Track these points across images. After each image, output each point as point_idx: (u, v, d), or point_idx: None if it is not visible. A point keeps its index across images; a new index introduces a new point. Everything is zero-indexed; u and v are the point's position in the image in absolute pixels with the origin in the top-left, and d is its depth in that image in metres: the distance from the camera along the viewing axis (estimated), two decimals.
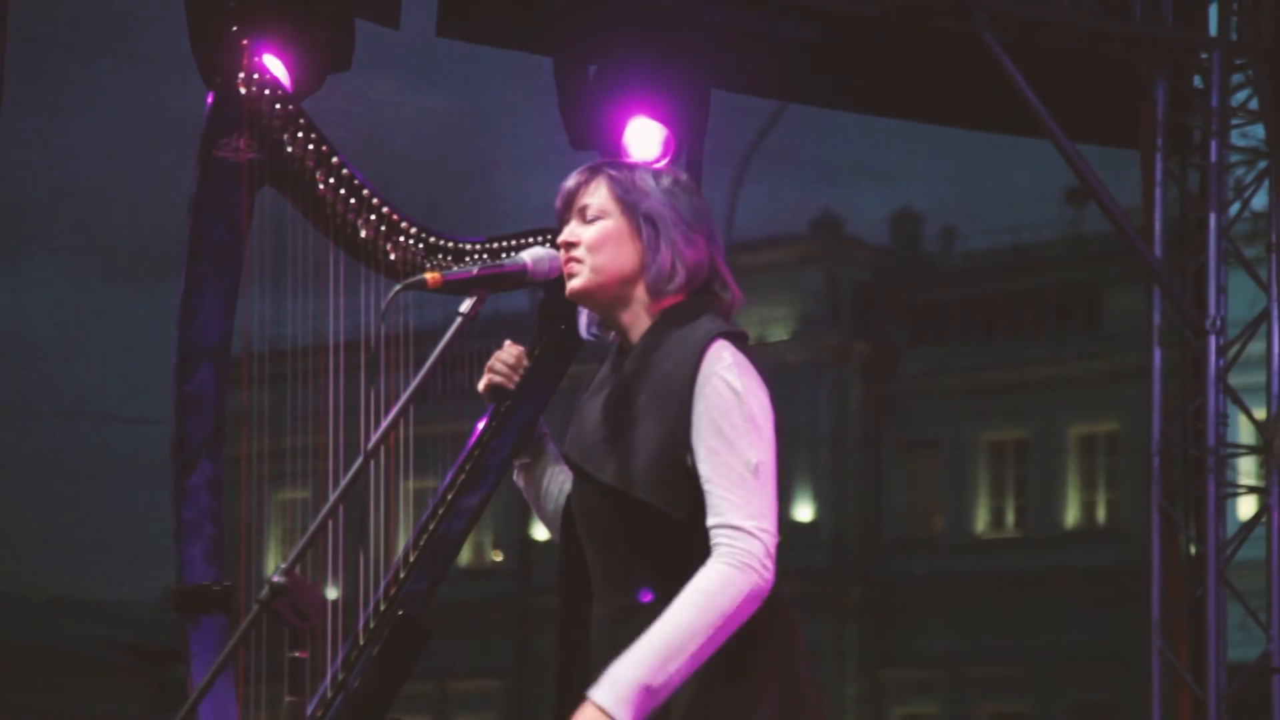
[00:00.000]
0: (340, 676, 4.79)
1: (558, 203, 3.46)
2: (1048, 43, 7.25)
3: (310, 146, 4.90)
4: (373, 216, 4.84)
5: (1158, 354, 7.63)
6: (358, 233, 4.84)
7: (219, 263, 5.00)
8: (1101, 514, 23.25)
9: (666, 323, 3.39)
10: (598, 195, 3.42)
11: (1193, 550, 7.61)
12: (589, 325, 3.51)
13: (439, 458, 4.94)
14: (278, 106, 4.96)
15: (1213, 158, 7.58)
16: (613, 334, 3.47)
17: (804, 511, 23.12)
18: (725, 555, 3.23)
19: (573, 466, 3.43)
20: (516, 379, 3.61)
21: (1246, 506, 8.62)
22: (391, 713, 4.84)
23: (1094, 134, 7.59)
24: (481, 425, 4.88)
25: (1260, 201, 7.78)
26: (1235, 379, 7.58)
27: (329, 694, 4.78)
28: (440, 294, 3.42)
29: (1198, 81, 7.67)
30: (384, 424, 3.33)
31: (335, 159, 4.89)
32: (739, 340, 3.37)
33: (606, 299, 3.43)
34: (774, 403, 3.35)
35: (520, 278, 3.46)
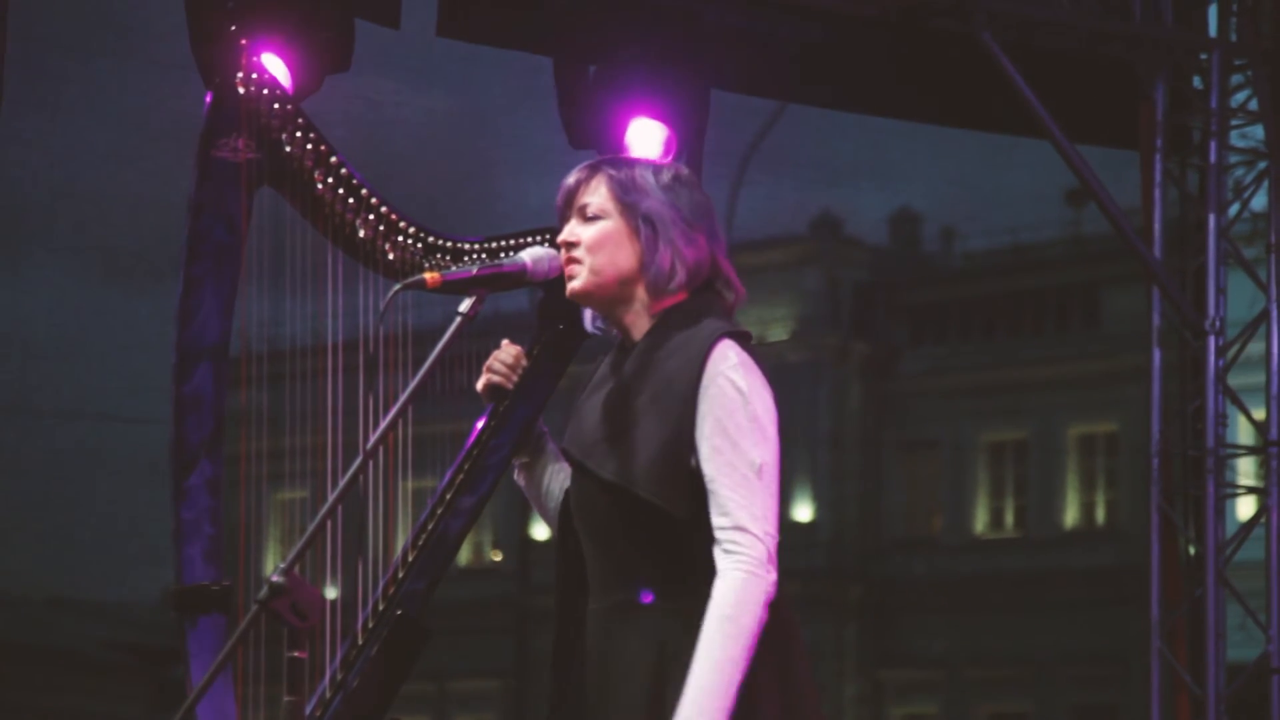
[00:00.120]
0: (339, 676, 4.79)
1: (558, 199, 3.46)
2: (1047, 43, 7.25)
3: (309, 146, 4.90)
4: (371, 216, 4.84)
5: (1157, 354, 7.63)
6: (356, 232, 4.83)
7: (218, 263, 5.00)
8: (1101, 514, 23.25)
9: (669, 322, 3.39)
10: (597, 194, 3.42)
11: (1192, 551, 7.60)
12: (593, 320, 3.52)
13: (438, 457, 4.94)
14: (276, 106, 4.96)
15: (1212, 158, 7.58)
16: (616, 330, 3.47)
17: (803, 512, 23.12)
18: (733, 563, 3.23)
19: (572, 462, 3.43)
20: (515, 379, 3.61)
21: (1246, 507, 8.62)
22: (391, 713, 4.84)
23: (1093, 134, 7.59)
24: (480, 425, 4.87)
25: (1259, 202, 7.78)
26: (1234, 380, 7.58)
27: (328, 694, 4.78)
28: (439, 294, 3.42)
29: (1197, 82, 7.67)
30: (383, 424, 3.33)
31: (334, 159, 4.89)
32: (743, 340, 3.37)
33: (607, 300, 3.43)
34: (775, 403, 3.35)
35: (520, 277, 3.46)
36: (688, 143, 5.96)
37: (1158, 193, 7.59)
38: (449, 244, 4.84)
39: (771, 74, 7.01)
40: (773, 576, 3.23)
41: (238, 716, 4.82)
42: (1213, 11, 7.70)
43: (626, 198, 3.39)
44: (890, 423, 24.16)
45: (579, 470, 3.40)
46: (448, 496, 4.91)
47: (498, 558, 24.54)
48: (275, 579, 3.14)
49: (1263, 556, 7.51)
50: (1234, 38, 7.61)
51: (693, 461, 3.30)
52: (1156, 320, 7.63)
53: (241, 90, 4.98)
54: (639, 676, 3.30)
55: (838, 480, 23.84)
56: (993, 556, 23.36)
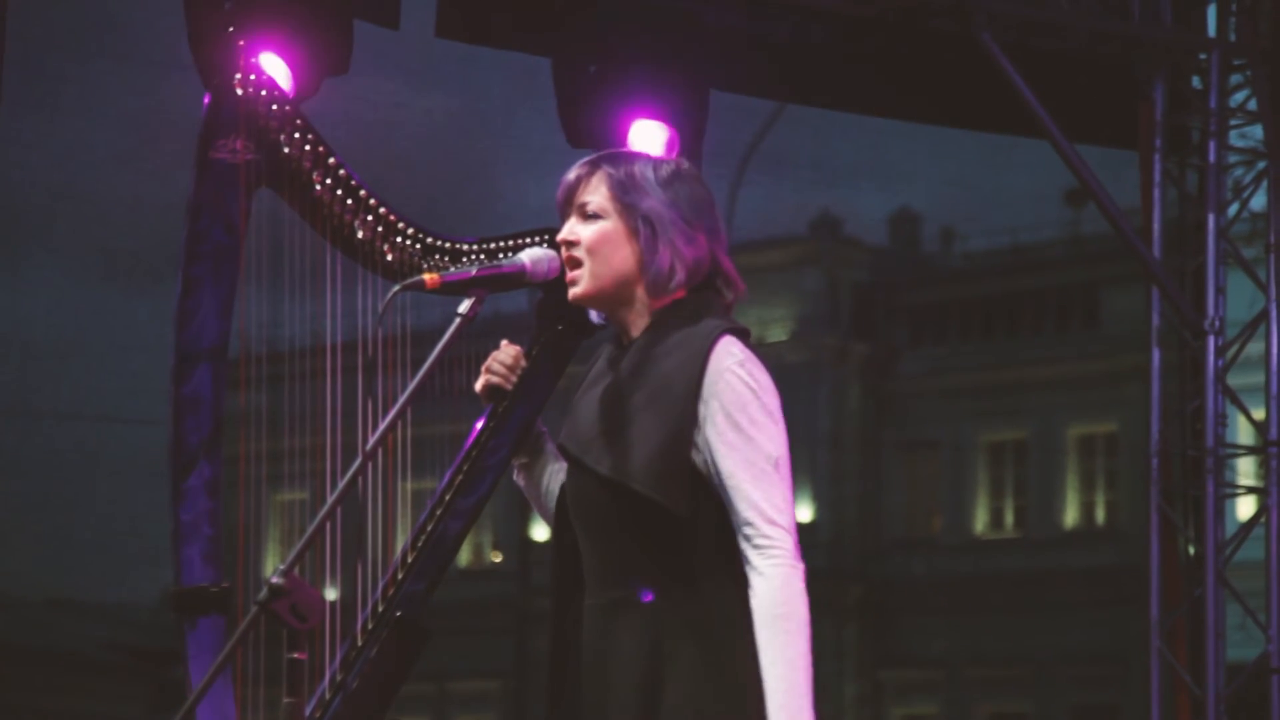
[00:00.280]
0: (339, 677, 4.78)
1: (558, 195, 3.46)
2: (1046, 43, 7.25)
3: (307, 147, 4.90)
4: (370, 217, 4.84)
5: (1156, 354, 7.63)
6: (355, 233, 4.83)
7: (216, 264, 4.99)
8: (1100, 514, 23.25)
9: (667, 320, 3.39)
10: (597, 193, 3.41)
11: (1191, 551, 7.60)
12: (599, 313, 3.51)
13: (437, 458, 4.94)
14: (275, 108, 4.96)
15: (1211, 158, 7.58)
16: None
17: (803, 512, 23.12)
18: (770, 559, 3.24)
19: (569, 458, 3.43)
20: (514, 379, 3.61)
21: (1245, 507, 8.63)
22: (391, 714, 4.83)
23: (1093, 135, 7.59)
24: (479, 426, 4.87)
25: (1259, 202, 7.78)
26: (1234, 379, 7.58)
27: (327, 695, 4.78)
28: (438, 295, 3.41)
29: (1196, 82, 7.67)
30: (382, 425, 3.33)
31: (332, 160, 4.89)
32: (743, 337, 3.37)
33: (607, 301, 3.43)
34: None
35: (519, 278, 3.45)
36: (687, 143, 5.96)
37: (1157, 193, 7.59)
38: (448, 245, 4.84)
39: (771, 74, 7.01)
40: (803, 566, 3.25)
41: (237, 718, 4.81)
42: (1211, 11, 7.70)
43: (626, 197, 3.39)
44: (890, 423, 24.16)
45: (575, 466, 3.40)
46: (447, 497, 4.90)
47: (498, 558, 24.54)
48: (275, 580, 3.14)
49: (1262, 556, 7.51)
50: (1233, 38, 7.61)
51: (694, 458, 3.30)
52: (1156, 320, 7.63)
53: (240, 91, 4.98)
54: (635, 673, 3.30)
55: (837, 480, 23.84)
56: (992, 557, 23.36)
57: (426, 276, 3.39)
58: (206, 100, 5.04)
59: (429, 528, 4.90)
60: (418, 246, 4.82)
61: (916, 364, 24.25)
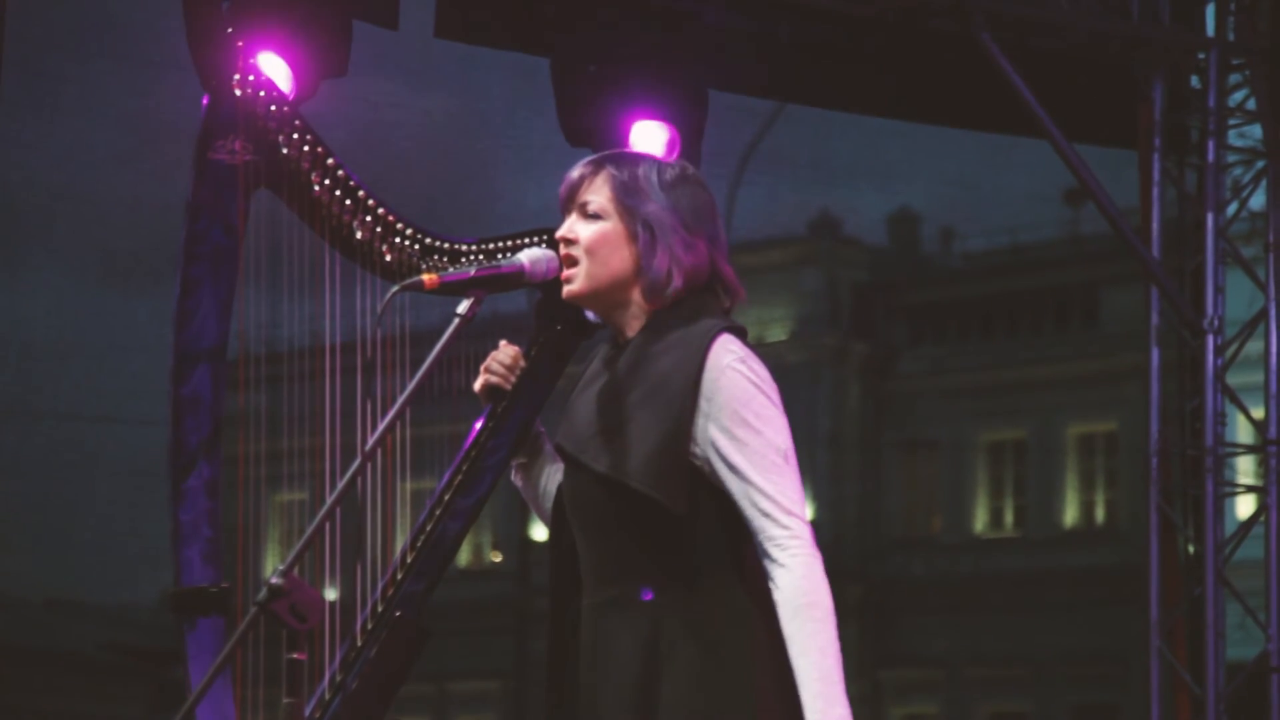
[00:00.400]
0: (338, 678, 4.79)
1: (561, 191, 3.45)
2: (1045, 43, 7.25)
3: (306, 148, 4.90)
4: (369, 218, 4.84)
5: (1156, 354, 7.63)
6: (354, 234, 4.83)
7: (215, 265, 5.00)
8: (1100, 514, 23.25)
9: (664, 320, 3.39)
10: (599, 193, 3.41)
11: (1191, 550, 7.60)
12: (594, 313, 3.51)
13: (436, 459, 4.94)
14: (273, 109, 4.96)
15: (1210, 158, 7.58)
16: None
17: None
18: (789, 550, 3.24)
19: (566, 458, 3.42)
20: (513, 380, 3.61)
21: (1245, 506, 8.62)
22: (390, 714, 4.83)
23: (1092, 134, 7.59)
24: (478, 426, 4.87)
25: (1258, 201, 7.78)
26: (1233, 378, 7.58)
27: (327, 695, 4.78)
28: (437, 295, 3.41)
29: (1195, 81, 7.67)
30: (381, 425, 3.33)
31: (331, 160, 4.89)
32: (740, 335, 3.37)
33: (601, 301, 3.43)
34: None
35: (518, 279, 3.45)
36: (686, 143, 5.96)
37: (1156, 192, 7.59)
38: (447, 245, 4.84)
39: (770, 74, 7.01)
40: (821, 556, 3.26)
41: (237, 718, 4.81)
42: (1210, 11, 7.70)
43: (628, 199, 3.39)
44: (889, 423, 24.16)
45: (573, 465, 3.40)
46: (446, 498, 4.90)
47: (497, 559, 24.54)
48: (274, 581, 3.14)
49: (1262, 555, 7.51)
50: (1232, 37, 7.61)
51: (693, 456, 3.30)
52: (1155, 319, 7.63)
53: (239, 93, 4.98)
54: (633, 672, 3.30)
55: (837, 480, 23.84)
56: (992, 556, 23.37)
57: (425, 277, 3.39)
58: (205, 101, 5.04)
59: (428, 528, 4.90)
60: (416, 247, 4.82)
61: (916, 364, 24.25)
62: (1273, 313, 7.63)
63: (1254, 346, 7.68)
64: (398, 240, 4.82)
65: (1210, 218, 7.58)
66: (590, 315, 3.50)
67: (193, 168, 5.01)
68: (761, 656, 3.29)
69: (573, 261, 3.41)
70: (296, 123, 4.94)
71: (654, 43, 6.21)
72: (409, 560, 4.86)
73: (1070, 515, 23.28)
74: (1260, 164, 7.69)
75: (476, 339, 3.68)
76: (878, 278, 24.45)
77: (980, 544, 23.65)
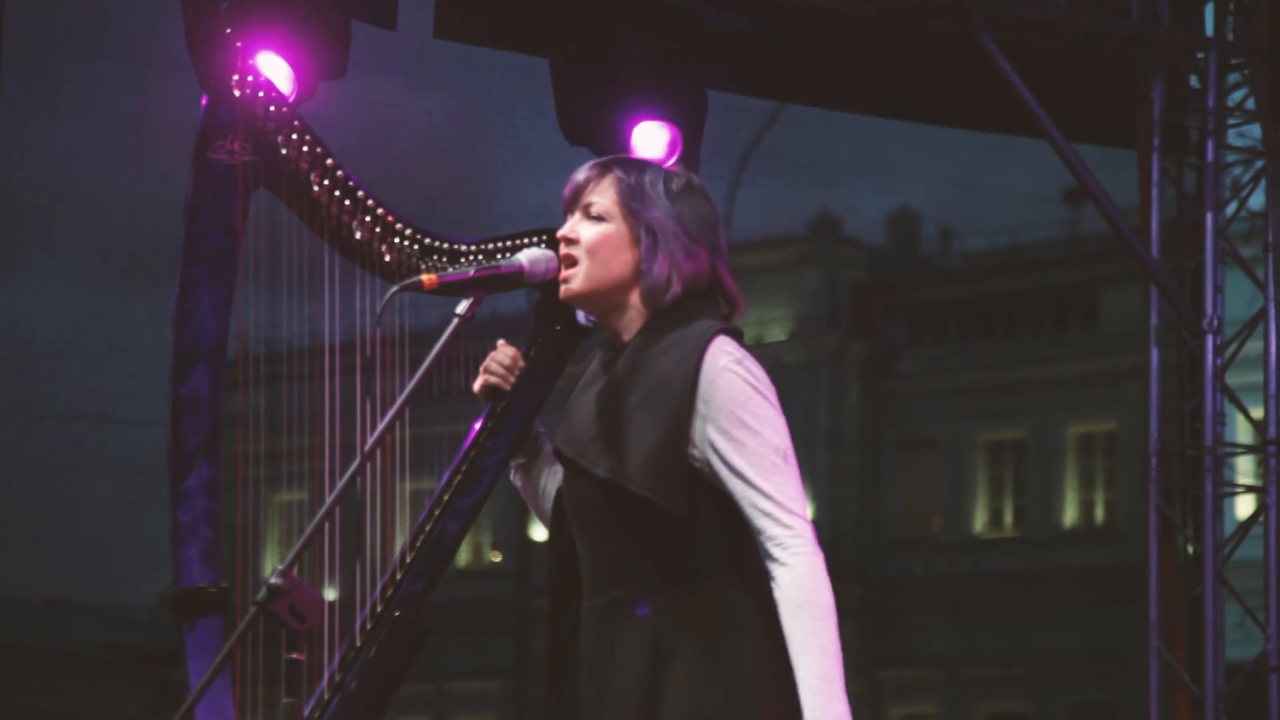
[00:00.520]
0: (337, 678, 4.78)
1: (565, 192, 3.46)
2: (1044, 43, 7.25)
3: (305, 149, 4.90)
4: (368, 218, 4.84)
5: (1155, 354, 7.63)
6: (353, 234, 4.83)
7: (214, 265, 5.00)
8: (1099, 514, 23.25)
9: (661, 322, 3.39)
10: (604, 196, 3.42)
11: (1190, 550, 7.60)
12: (588, 314, 3.51)
13: (435, 459, 4.94)
14: (272, 109, 4.96)
15: (1209, 157, 7.58)
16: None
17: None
18: (791, 549, 3.25)
19: (565, 461, 3.43)
20: (512, 380, 3.61)
21: (1244, 506, 8.62)
22: (390, 714, 4.83)
23: (1091, 134, 7.58)
24: (478, 426, 4.87)
25: (1257, 201, 7.78)
26: (1232, 378, 7.58)
27: (326, 695, 4.78)
28: (436, 295, 3.41)
29: (1194, 81, 7.67)
30: (381, 425, 3.33)
31: (330, 161, 4.89)
32: (737, 337, 3.38)
33: (598, 303, 3.43)
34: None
35: (517, 279, 3.45)
36: (686, 143, 5.96)
37: (1155, 192, 7.59)
38: (446, 245, 4.84)
39: (769, 74, 7.01)
40: (822, 555, 3.27)
41: (236, 718, 4.81)
42: (1209, 11, 7.70)
43: (632, 204, 3.39)
44: (889, 423, 24.16)
45: (572, 469, 3.40)
46: (445, 497, 4.90)
47: (497, 558, 24.54)
48: (273, 581, 3.14)
49: (1261, 555, 7.51)
50: (1231, 37, 7.61)
51: (691, 458, 3.30)
52: (1154, 319, 7.63)
53: (237, 93, 4.98)
54: (635, 674, 3.30)
55: (836, 480, 23.84)
56: (992, 556, 23.37)
57: (424, 277, 3.39)
58: (204, 101, 5.04)
59: (427, 528, 4.90)
60: (416, 247, 4.82)
61: (915, 363, 24.25)
62: (1272, 312, 7.63)
63: (1253, 346, 7.68)
64: (397, 240, 4.82)
65: (1209, 217, 7.58)
66: (582, 318, 3.50)
67: (192, 168, 5.01)
68: (762, 658, 3.29)
69: (572, 262, 3.42)
70: (295, 123, 4.93)
71: (653, 42, 6.21)
72: (408, 560, 4.86)
73: (1069, 515, 23.29)
74: (1259, 164, 7.69)
75: (476, 339, 3.68)
76: (877, 277, 24.46)
77: (980, 544, 23.65)
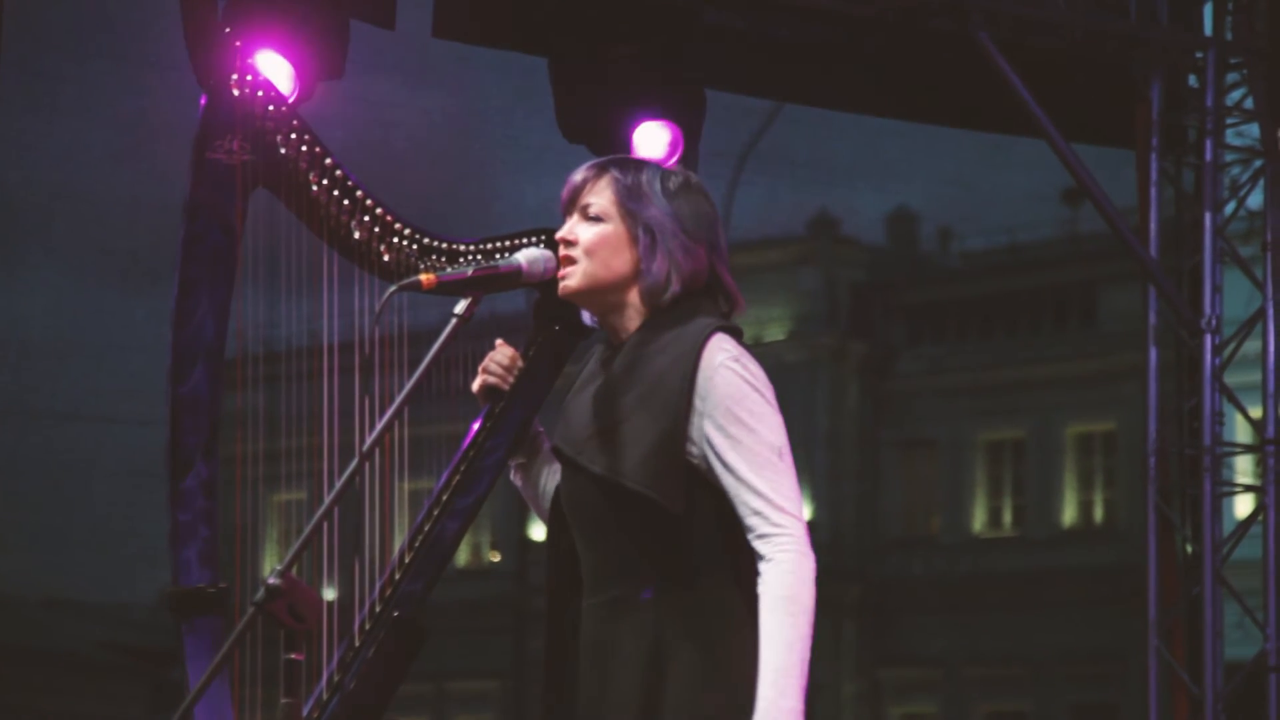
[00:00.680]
0: (336, 678, 4.78)
1: (563, 193, 3.46)
2: (1043, 43, 7.24)
3: (303, 148, 4.90)
4: (366, 218, 4.84)
5: (1154, 353, 7.63)
6: (351, 234, 4.83)
7: (213, 264, 4.99)
8: (1099, 513, 23.26)
9: (659, 321, 3.39)
10: (602, 196, 3.42)
11: (1189, 549, 7.60)
12: (591, 315, 3.51)
13: (434, 459, 4.94)
14: (271, 109, 4.96)
15: (1208, 157, 7.57)
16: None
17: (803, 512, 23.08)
18: (779, 545, 3.24)
19: (563, 459, 3.43)
20: (511, 380, 3.61)
21: (1243, 505, 8.63)
22: (388, 714, 4.83)
23: (1089, 134, 7.58)
24: (476, 426, 4.87)
25: (1255, 200, 7.78)
26: (1231, 378, 7.58)
27: (325, 695, 4.78)
28: (435, 295, 3.41)
29: (1193, 81, 7.66)
30: (379, 425, 3.33)
31: (328, 160, 4.89)
32: (736, 334, 3.38)
33: (598, 301, 3.43)
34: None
35: (515, 279, 3.45)
36: (685, 142, 5.96)
37: (1154, 191, 7.59)
38: (444, 245, 4.84)
39: (768, 73, 7.01)
40: (814, 556, 3.26)
41: (235, 718, 4.81)
42: (1208, 10, 7.69)
43: (629, 203, 3.40)
44: (888, 422, 24.16)
45: (570, 467, 3.41)
46: (444, 497, 4.90)
47: (496, 558, 24.54)
48: (271, 581, 3.13)
49: (1260, 555, 7.51)
50: (1229, 36, 7.61)
51: (689, 455, 3.30)
52: (1153, 319, 7.63)
53: (236, 92, 4.98)
54: (635, 672, 3.30)
55: (836, 480, 23.84)
56: (991, 556, 23.37)
57: (423, 277, 3.39)
58: (203, 101, 5.04)
59: (426, 528, 4.90)
60: (414, 247, 4.82)
61: (914, 363, 24.26)
62: (1270, 312, 7.63)
63: (1252, 346, 7.67)
64: (396, 240, 4.82)
65: (1208, 217, 7.58)
66: (586, 318, 3.50)
67: (190, 168, 5.01)
68: (757, 652, 3.28)
69: (571, 263, 3.42)
70: (294, 122, 4.94)
71: (652, 42, 6.20)
72: (407, 560, 4.86)
73: (1068, 515, 23.29)
74: (1258, 163, 7.69)
75: (474, 339, 3.68)
76: (876, 277, 24.46)
77: (979, 543, 23.65)
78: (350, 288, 4.78)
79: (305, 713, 4.70)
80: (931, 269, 24.93)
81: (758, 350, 3.40)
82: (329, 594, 4.63)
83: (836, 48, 7.02)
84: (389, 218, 4.83)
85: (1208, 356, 7.54)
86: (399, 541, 4.89)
